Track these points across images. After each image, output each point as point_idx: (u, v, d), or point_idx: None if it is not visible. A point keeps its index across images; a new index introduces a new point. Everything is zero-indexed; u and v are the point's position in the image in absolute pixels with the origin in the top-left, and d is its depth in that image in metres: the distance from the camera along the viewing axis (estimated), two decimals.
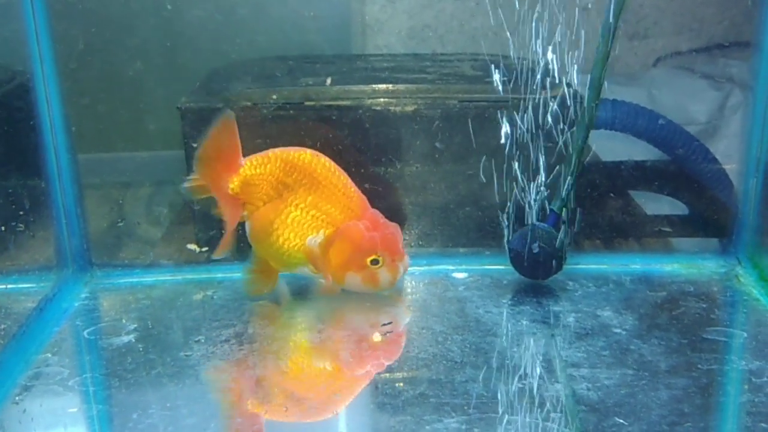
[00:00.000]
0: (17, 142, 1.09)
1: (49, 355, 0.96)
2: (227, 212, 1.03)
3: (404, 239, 1.21)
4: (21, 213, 1.07)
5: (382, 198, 1.20)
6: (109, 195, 1.33)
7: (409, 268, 1.17)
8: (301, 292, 1.12)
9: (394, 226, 1.03)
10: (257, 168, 1.02)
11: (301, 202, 1.01)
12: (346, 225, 1.00)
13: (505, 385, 0.88)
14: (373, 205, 1.22)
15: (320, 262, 1.01)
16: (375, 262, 1.00)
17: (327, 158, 1.03)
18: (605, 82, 1.07)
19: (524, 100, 1.07)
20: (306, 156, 1.02)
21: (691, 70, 1.63)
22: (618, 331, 0.99)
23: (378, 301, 1.08)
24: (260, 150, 1.16)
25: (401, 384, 0.89)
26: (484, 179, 1.14)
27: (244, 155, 1.18)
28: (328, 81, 1.17)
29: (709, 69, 1.61)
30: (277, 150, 1.03)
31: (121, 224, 1.29)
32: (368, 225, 1.01)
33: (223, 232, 1.19)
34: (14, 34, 1.08)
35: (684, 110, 1.59)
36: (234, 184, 1.02)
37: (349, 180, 1.03)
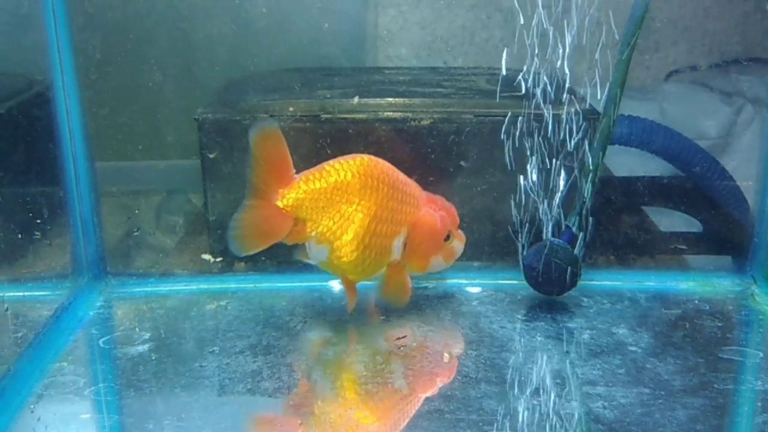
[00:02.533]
0: (37, 150, 1.10)
1: (65, 363, 0.97)
2: (273, 227, 0.97)
3: None
4: (38, 221, 1.07)
5: None
6: (125, 204, 1.33)
7: (423, 282, 1.18)
8: (315, 304, 1.12)
9: (445, 199, 1.05)
10: (317, 182, 0.97)
11: (375, 208, 0.98)
12: (421, 215, 1.01)
13: (520, 401, 0.88)
14: None
15: (402, 258, 1.02)
16: (447, 238, 1.03)
17: (381, 159, 1.01)
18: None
19: (539, 114, 1.08)
20: (362, 161, 0.99)
21: (703, 84, 1.63)
22: (633, 348, 0.99)
23: (392, 317, 1.08)
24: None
25: (416, 398, 0.88)
26: (498, 193, 1.14)
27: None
28: (355, 100, 1.17)
29: (720, 84, 1.62)
30: (332, 161, 0.99)
31: (136, 233, 1.29)
32: (434, 207, 1.02)
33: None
34: (36, 44, 1.09)
35: (695, 125, 1.59)
36: (286, 197, 0.96)
37: (403, 174, 1.03)
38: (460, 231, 1.06)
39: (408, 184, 1.02)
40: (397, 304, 1.05)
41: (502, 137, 1.11)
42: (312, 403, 0.89)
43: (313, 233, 0.98)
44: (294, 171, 0.97)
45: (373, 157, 1.00)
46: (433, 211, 1.02)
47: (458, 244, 1.05)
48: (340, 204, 0.97)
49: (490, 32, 1.56)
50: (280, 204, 0.96)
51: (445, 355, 0.95)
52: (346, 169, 0.98)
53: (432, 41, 1.57)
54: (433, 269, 1.05)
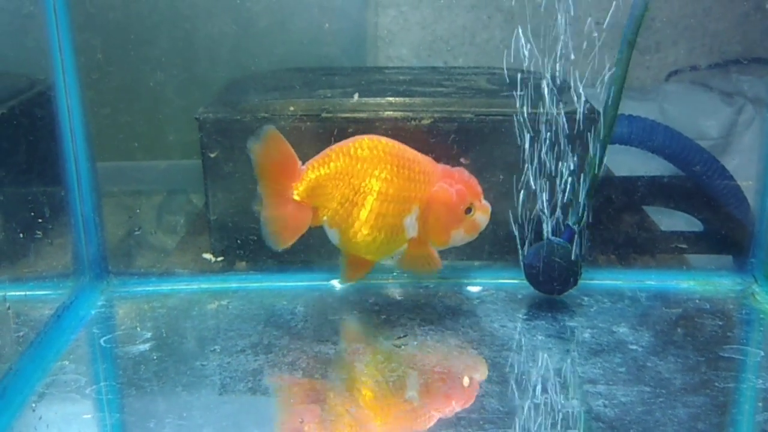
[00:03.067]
0: (38, 150, 1.10)
1: (66, 362, 0.97)
2: (297, 220, 1.01)
3: None
4: (40, 220, 1.08)
5: None
6: (126, 203, 1.33)
7: (423, 281, 1.18)
8: (316, 303, 1.12)
9: (465, 171, 1.04)
10: (321, 169, 1.00)
11: (383, 187, 0.99)
12: (434, 191, 1.00)
13: (521, 400, 0.88)
14: None
15: (421, 234, 1.01)
16: (468, 210, 1.02)
17: (386, 138, 1.02)
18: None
19: (539, 114, 1.08)
20: (366, 142, 1.00)
21: (703, 84, 1.63)
22: (634, 347, 0.99)
23: (393, 315, 1.08)
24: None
25: (417, 397, 0.89)
26: (499, 192, 1.14)
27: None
28: (356, 97, 1.17)
29: (721, 84, 1.62)
30: (335, 146, 1.02)
31: (138, 233, 1.30)
32: (450, 181, 1.01)
33: (238, 241, 1.21)
34: (37, 44, 1.09)
35: (696, 125, 1.59)
36: (299, 190, 1.00)
37: (413, 150, 1.02)
38: (484, 202, 1.03)
39: (416, 161, 1.01)
40: (426, 275, 1.07)
41: (501, 136, 1.12)
42: (312, 402, 0.89)
43: (324, 218, 1.02)
44: (300, 164, 1.01)
45: (375, 137, 1.01)
46: (447, 185, 1.01)
47: (481, 216, 1.03)
48: (344, 187, 1.00)
49: (491, 32, 1.56)
50: (296, 197, 1.00)
51: (466, 379, 0.93)
52: (346, 152, 1.00)
53: (432, 41, 1.57)
54: (456, 242, 1.04)
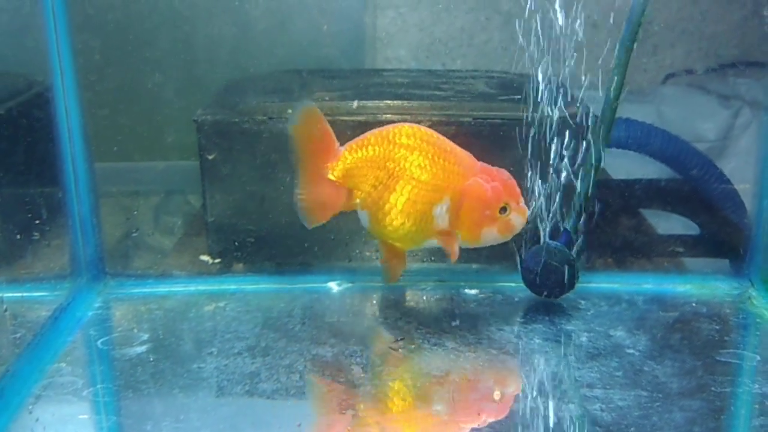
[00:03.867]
0: (36, 151, 1.10)
1: (63, 364, 0.97)
2: (330, 200, 1.02)
3: (416, 254, 1.22)
4: (37, 222, 1.08)
5: None
6: (124, 205, 1.33)
7: (422, 284, 1.19)
8: (314, 306, 1.12)
9: (505, 171, 1.01)
10: (359, 151, 1.01)
11: (416, 174, 0.99)
12: (468, 184, 0.98)
13: (518, 403, 0.88)
14: None
15: (452, 227, 1.00)
16: (504, 210, 0.99)
17: (425, 127, 1.01)
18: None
19: (537, 118, 1.08)
20: (406, 129, 1.00)
21: (701, 87, 1.64)
22: (631, 351, 0.99)
23: (391, 318, 1.09)
24: (275, 165, 1.18)
25: (414, 401, 0.89)
26: None
27: (258, 170, 1.19)
28: (355, 104, 1.17)
29: (718, 87, 1.62)
30: (375, 131, 1.02)
31: (135, 234, 1.29)
32: (486, 178, 0.99)
33: (236, 243, 1.21)
34: (36, 45, 1.09)
35: (693, 128, 1.59)
36: (335, 170, 1.01)
37: (452, 142, 1.01)
38: (522, 206, 1.01)
39: (454, 153, 1.00)
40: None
41: (499, 140, 1.12)
42: (306, 405, 0.89)
43: (357, 200, 1.02)
44: (338, 144, 1.01)
45: (415, 125, 1.01)
46: (483, 181, 0.99)
47: (516, 217, 1.00)
48: (378, 171, 1.00)
49: (489, 34, 1.56)
50: (331, 177, 1.01)
51: (497, 393, 0.92)
52: (385, 136, 1.00)
53: (431, 43, 1.57)
54: (487, 241, 1.01)
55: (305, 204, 1.02)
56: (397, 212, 1.00)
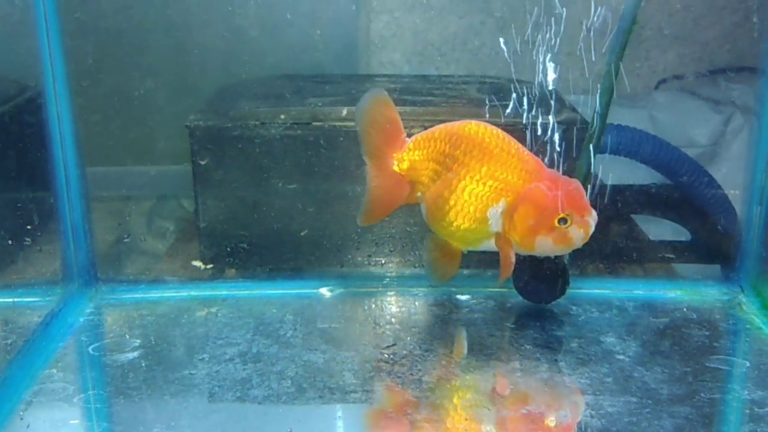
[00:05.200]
0: (27, 156, 1.10)
1: (54, 370, 0.97)
2: (393, 192, 1.01)
3: (409, 260, 1.22)
4: (29, 227, 1.07)
5: (387, 218, 1.21)
6: (116, 210, 1.33)
7: (413, 289, 1.19)
8: (305, 311, 1.12)
9: (575, 182, 0.97)
10: (424, 144, 0.99)
11: (475, 173, 0.96)
12: (527, 189, 0.95)
13: (509, 410, 0.88)
14: (380, 225, 1.23)
15: (506, 231, 0.97)
16: (563, 221, 0.95)
17: (493, 127, 0.99)
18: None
19: (529, 124, 1.08)
20: (472, 127, 0.98)
21: (693, 93, 1.65)
22: (621, 357, 0.99)
23: (384, 326, 1.09)
24: (267, 171, 1.18)
25: (405, 407, 0.89)
26: None
27: (250, 176, 1.19)
28: (344, 111, 1.17)
29: (710, 92, 1.63)
30: (441, 126, 1.00)
31: (127, 239, 1.29)
32: (549, 185, 0.95)
33: (228, 248, 1.21)
34: (28, 50, 1.09)
35: (685, 133, 1.60)
36: (400, 162, 1.00)
37: (521, 145, 0.98)
38: (587, 220, 0.95)
39: (519, 156, 0.97)
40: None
41: None
42: (297, 410, 0.90)
43: (419, 194, 1.01)
44: (405, 134, 1.01)
45: (482, 123, 0.99)
46: (544, 188, 0.95)
47: (576, 230, 0.95)
48: (439, 167, 0.99)
49: (483, 39, 1.57)
50: (396, 169, 1.00)
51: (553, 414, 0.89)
52: (450, 131, 0.99)
53: (425, 48, 1.58)
54: (542, 251, 0.97)
55: (372, 198, 1.00)
56: (453, 210, 0.98)
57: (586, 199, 0.96)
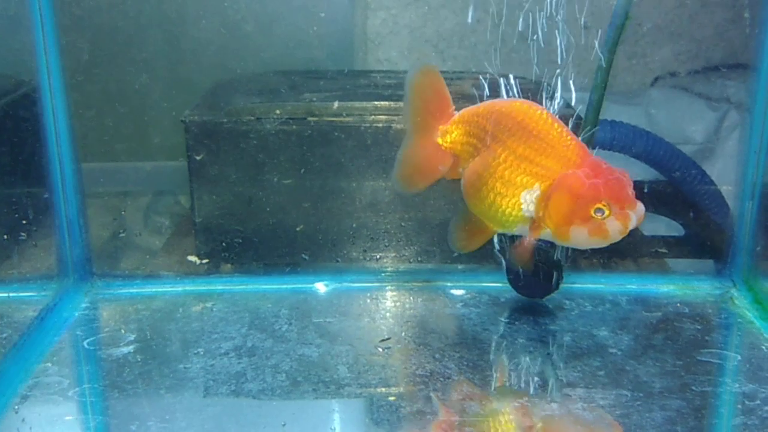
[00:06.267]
0: (23, 152, 1.10)
1: (49, 364, 0.97)
2: (432, 164, 0.99)
3: (403, 255, 1.23)
4: (24, 222, 1.08)
5: (383, 213, 1.21)
6: (111, 205, 1.34)
7: (408, 284, 1.20)
8: (301, 306, 1.13)
9: (620, 172, 0.90)
10: (470, 119, 0.96)
11: (511, 154, 0.92)
12: (563, 175, 0.89)
13: (501, 403, 0.89)
14: (375, 220, 1.23)
15: (540, 218, 0.92)
16: (600, 211, 0.88)
17: (541, 107, 0.94)
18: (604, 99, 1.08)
19: None
20: (517, 105, 0.94)
21: (689, 90, 1.65)
22: (614, 351, 1.00)
23: (378, 320, 1.09)
24: (262, 166, 1.18)
25: (399, 400, 0.89)
26: None
27: (246, 171, 1.19)
28: (335, 105, 1.18)
29: (706, 89, 1.63)
30: (489, 102, 0.97)
31: (122, 234, 1.30)
32: (588, 173, 0.89)
33: (224, 243, 1.21)
34: (23, 46, 1.09)
35: (681, 130, 1.60)
36: (444, 134, 0.98)
37: (566, 128, 0.93)
38: (628, 212, 0.88)
39: (562, 140, 0.91)
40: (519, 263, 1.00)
41: None
42: (291, 405, 0.90)
43: (461, 169, 0.99)
44: (453, 108, 0.99)
45: (530, 103, 0.95)
46: (582, 174, 0.88)
47: (613, 222, 0.88)
48: (480, 144, 0.96)
49: (479, 36, 1.57)
50: (440, 141, 0.99)
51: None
52: (493, 109, 0.95)
53: (422, 44, 1.58)
54: (579, 242, 0.91)
55: (406, 166, 0.99)
56: (488, 190, 0.93)
57: (630, 190, 0.89)
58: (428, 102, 0.98)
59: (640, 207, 0.90)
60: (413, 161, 0.99)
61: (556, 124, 0.92)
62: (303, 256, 1.22)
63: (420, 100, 0.98)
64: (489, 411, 0.87)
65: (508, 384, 0.94)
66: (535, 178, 0.91)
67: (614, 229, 0.89)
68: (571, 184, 0.89)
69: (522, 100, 0.96)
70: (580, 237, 0.90)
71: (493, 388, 0.93)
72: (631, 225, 0.89)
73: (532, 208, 0.92)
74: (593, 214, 0.88)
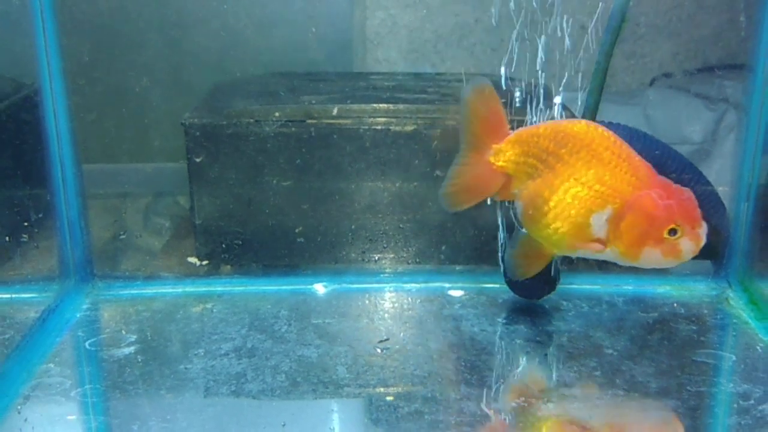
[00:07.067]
0: (24, 154, 1.11)
1: (51, 365, 0.98)
2: (483, 183, 0.98)
3: (401, 257, 1.24)
4: (25, 224, 1.09)
5: (381, 215, 1.22)
6: (112, 207, 1.34)
7: (407, 285, 1.20)
8: (300, 307, 1.13)
9: (687, 191, 0.91)
10: (527, 140, 0.95)
11: (580, 176, 0.91)
12: (637, 196, 0.89)
13: (499, 403, 0.90)
14: (374, 222, 1.24)
15: (609, 240, 0.91)
16: (673, 232, 0.89)
17: (604, 128, 0.94)
18: (600, 101, 1.09)
19: (520, 120, 1.09)
20: (581, 126, 0.93)
21: (687, 90, 1.66)
22: (610, 351, 1.01)
23: (377, 321, 1.10)
24: (261, 168, 1.19)
25: (397, 400, 0.90)
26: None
27: (245, 173, 1.19)
28: (335, 110, 1.18)
29: (704, 89, 1.64)
30: (548, 122, 0.97)
31: (123, 236, 1.30)
32: (661, 193, 0.89)
33: (223, 245, 1.22)
34: (25, 48, 1.10)
35: (679, 130, 1.61)
36: (499, 155, 0.97)
37: (631, 149, 0.93)
38: (698, 232, 0.90)
39: (630, 161, 0.91)
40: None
41: None
42: (291, 405, 0.91)
43: (515, 191, 0.98)
44: (508, 127, 0.98)
45: (591, 123, 0.95)
46: (656, 195, 0.89)
47: (687, 242, 0.89)
48: (541, 165, 0.95)
49: (478, 36, 1.58)
50: (492, 160, 0.98)
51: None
52: (556, 129, 0.94)
53: (420, 45, 1.59)
54: (649, 263, 0.92)
55: (457, 184, 0.98)
56: (553, 213, 0.93)
57: (698, 209, 0.91)
58: (482, 120, 0.97)
59: (705, 226, 0.91)
60: (463, 179, 0.98)
61: (623, 145, 0.93)
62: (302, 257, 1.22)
63: (474, 118, 0.97)
64: (486, 411, 0.88)
65: (505, 384, 0.94)
66: (606, 200, 0.90)
67: (687, 249, 0.90)
68: (645, 205, 0.89)
69: (583, 120, 0.96)
70: (653, 258, 0.91)
71: (490, 388, 0.93)
72: (702, 244, 0.91)
73: (603, 230, 0.91)
74: (667, 236, 0.89)
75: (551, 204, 0.93)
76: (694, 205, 0.91)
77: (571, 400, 0.90)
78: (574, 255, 0.98)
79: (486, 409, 0.88)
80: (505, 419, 0.87)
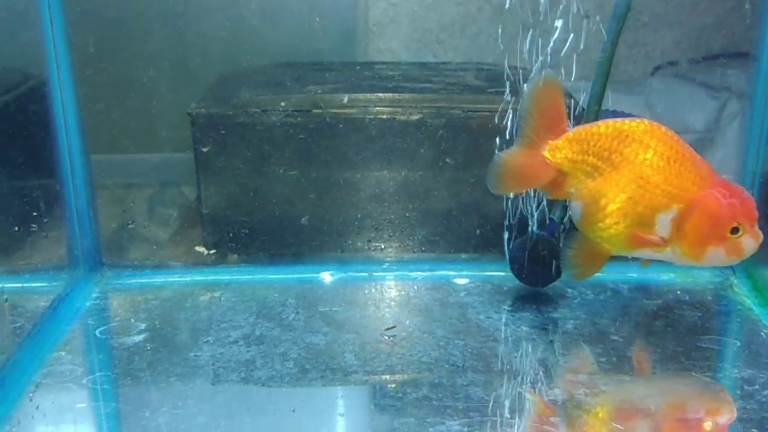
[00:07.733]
0: (33, 144, 1.11)
1: (62, 353, 0.99)
2: (532, 173, 0.98)
3: (407, 245, 1.25)
4: (35, 214, 1.09)
5: (387, 203, 1.23)
6: (120, 196, 1.35)
7: (412, 274, 1.21)
8: (307, 295, 1.14)
9: (745, 190, 0.93)
10: (586, 138, 0.95)
11: (643, 175, 0.91)
12: (702, 195, 0.90)
13: (505, 389, 0.91)
14: (380, 211, 1.24)
15: (672, 240, 0.92)
16: (735, 230, 0.91)
17: (666, 127, 0.94)
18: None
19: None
20: (644, 125, 0.93)
21: (689, 78, 1.66)
22: (615, 338, 1.02)
23: (384, 309, 1.11)
24: (268, 157, 1.20)
25: (404, 386, 0.91)
26: (486, 188, 1.17)
27: (252, 162, 1.20)
28: (345, 99, 1.19)
29: (706, 78, 1.64)
30: (608, 120, 0.96)
31: (131, 226, 1.31)
32: (724, 193, 0.91)
33: (230, 234, 1.23)
34: (32, 40, 1.10)
35: (681, 119, 1.61)
36: (554, 150, 0.97)
37: (692, 148, 0.93)
38: (756, 229, 0.92)
39: (693, 160, 0.92)
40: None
41: (489, 132, 1.14)
42: (300, 392, 0.92)
43: (572, 189, 0.98)
44: (566, 123, 0.98)
45: (654, 123, 0.94)
46: (720, 195, 0.90)
47: (749, 240, 0.91)
48: (602, 163, 0.94)
49: (480, 26, 1.58)
50: (547, 155, 0.97)
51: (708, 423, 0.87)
52: (618, 128, 0.94)
53: (423, 34, 1.59)
54: (711, 262, 0.93)
55: (505, 167, 0.98)
56: (614, 210, 0.93)
57: (756, 208, 0.92)
58: (543, 114, 0.97)
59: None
60: (513, 168, 0.99)
61: (685, 144, 0.93)
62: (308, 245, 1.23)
63: (535, 111, 0.97)
64: (494, 396, 0.89)
65: (511, 370, 0.95)
66: (673, 199, 0.91)
67: (749, 246, 0.92)
68: (710, 205, 0.90)
69: (647, 120, 0.95)
70: (716, 257, 0.92)
71: (496, 375, 0.94)
72: (761, 241, 0.93)
73: (666, 229, 0.92)
74: (729, 235, 0.91)
75: (616, 203, 0.93)
76: (753, 203, 0.92)
77: (578, 386, 0.91)
78: (630, 255, 0.99)
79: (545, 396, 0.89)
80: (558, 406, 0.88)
